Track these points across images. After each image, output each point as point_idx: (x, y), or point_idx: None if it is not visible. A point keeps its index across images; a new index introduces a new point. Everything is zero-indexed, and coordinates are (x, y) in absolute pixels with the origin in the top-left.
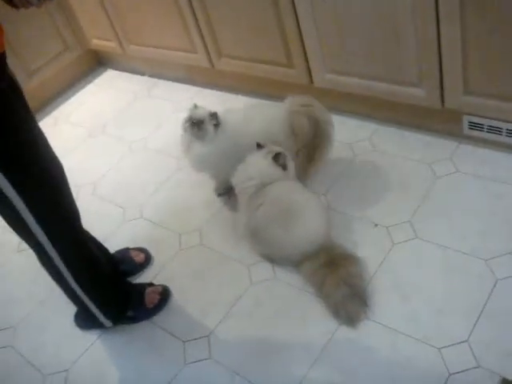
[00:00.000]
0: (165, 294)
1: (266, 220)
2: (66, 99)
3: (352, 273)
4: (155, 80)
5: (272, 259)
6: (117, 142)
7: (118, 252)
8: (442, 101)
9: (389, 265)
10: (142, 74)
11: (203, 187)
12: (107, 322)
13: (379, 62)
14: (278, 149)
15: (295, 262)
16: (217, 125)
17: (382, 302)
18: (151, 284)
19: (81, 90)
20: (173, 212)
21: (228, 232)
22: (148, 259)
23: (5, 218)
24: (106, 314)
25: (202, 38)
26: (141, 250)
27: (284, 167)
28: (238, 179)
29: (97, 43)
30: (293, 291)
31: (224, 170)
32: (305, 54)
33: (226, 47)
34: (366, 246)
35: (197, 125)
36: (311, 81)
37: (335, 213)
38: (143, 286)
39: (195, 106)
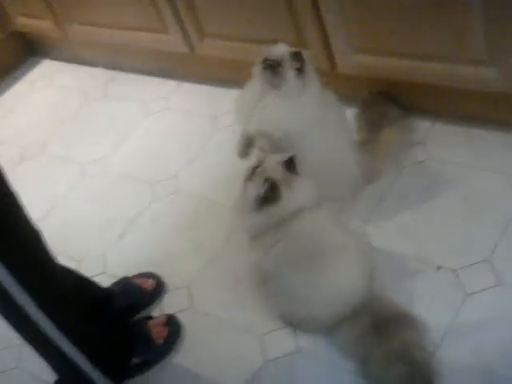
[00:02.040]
0: (173, 324)
1: (285, 262)
2: None
3: (409, 341)
4: (114, 73)
5: (293, 322)
6: (63, 166)
7: (117, 284)
8: None
9: (462, 325)
10: (94, 64)
11: (191, 224)
12: None
13: (430, 33)
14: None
15: (326, 327)
16: (301, 70)
17: (455, 379)
18: (150, 317)
19: (6, 92)
20: (149, 263)
21: (227, 288)
22: (160, 285)
23: None
24: (105, 372)
25: (176, 11)
26: (147, 274)
27: (296, 172)
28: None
29: (24, 23)
30: (325, 370)
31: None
32: (322, 26)
33: (210, 23)
34: (427, 298)
35: (271, 68)
36: (333, 65)
37: (379, 252)
38: (143, 321)
39: (275, 44)
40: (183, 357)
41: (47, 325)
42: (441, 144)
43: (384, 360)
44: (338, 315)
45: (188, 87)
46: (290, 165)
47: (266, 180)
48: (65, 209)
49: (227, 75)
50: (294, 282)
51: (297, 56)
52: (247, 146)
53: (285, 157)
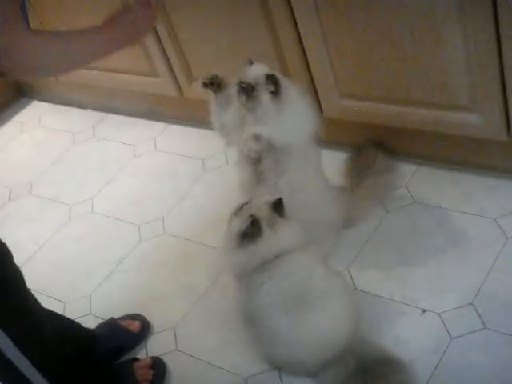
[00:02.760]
0: (158, 367)
1: (270, 304)
2: None
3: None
4: (102, 114)
5: (278, 364)
6: (51, 206)
7: (103, 326)
8: (509, 129)
9: (448, 368)
10: (83, 106)
11: (178, 266)
12: None
13: (416, 81)
14: (268, 197)
15: (311, 370)
16: (276, 93)
17: None
18: (136, 359)
19: None
20: (135, 304)
21: (213, 330)
22: (146, 327)
23: None
24: None
25: (166, 55)
26: (133, 316)
27: (283, 214)
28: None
29: None
30: None
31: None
32: (309, 72)
33: (199, 68)
34: (413, 342)
35: (245, 91)
36: (320, 109)
37: (364, 295)
38: (129, 363)
39: (250, 62)
40: None
41: (26, 366)
42: (426, 187)
43: None
44: (323, 359)
45: (176, 129)
46: (278, 207)
47: (250, 216)
48: (51, 249)
49: None
50: (279, 324)
51: (271, 79)
52: (212, 81)
53: (273, 198)
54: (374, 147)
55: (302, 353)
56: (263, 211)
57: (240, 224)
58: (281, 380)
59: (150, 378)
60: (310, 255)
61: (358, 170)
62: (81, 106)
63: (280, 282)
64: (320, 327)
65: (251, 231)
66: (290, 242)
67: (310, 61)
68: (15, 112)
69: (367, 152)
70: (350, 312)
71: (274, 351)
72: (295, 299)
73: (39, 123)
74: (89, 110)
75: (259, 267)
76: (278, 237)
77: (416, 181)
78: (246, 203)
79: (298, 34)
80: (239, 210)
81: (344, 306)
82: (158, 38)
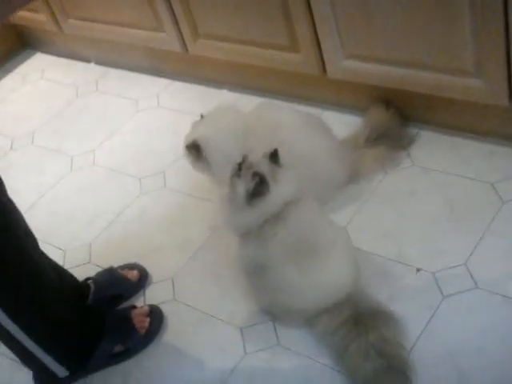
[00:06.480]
0: (155, 314)
1: (281, 255)
2: None
3: (386, 336)
4: (106, 69)
5: (275, 315)
6: (51, 158)
7: (102, 274)
8: (510, 95)
9: (438, 325)
10: (87, 59)
11: (177, 219)
12: (62, 371)
13: (421, 44)
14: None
15: (307, 318)
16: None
17: (429, 379)
18: (134, 307)
19: None
20: (134, 255)
21: (210, 281)
22: (144, 276)
23: None
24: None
25: (172, 11)
26: (132, 266)
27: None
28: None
29: (20, 16)
30: (303, 364)
31: None
32: (315, 31)
33: (205, 24)
34: (406, 298)
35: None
36: (324, 70)
37: (361, 252)
38: (127, 310)
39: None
40: (164, 347)
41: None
42: (425, 151)
43: (361, 352)
44: (324, 306)
45: (179, 86)
46: (274, 157)
47: (255, 174)
48: (52, 199)
49: (219, 75)
50: (289, 272)
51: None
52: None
53: (269, 149)
54: (391, 109)
55: (306, 301)
56: (264, 165)
57: (246, 184)
58: (275, 330)
59: (147, 325)
60: (314, 206)
61: (373, 130)
62: (85, 59)
63: (293, 231)
64: (326, 274)
65: (260, 189)
66: (290, 191)
67: (316, 21)
68: (18, 63)
69: (384, 113)
70: (353, 265)
71: (280, 299)
72: (304, 248)
73: (42, 75)
74: (92, 64)
75: (269, 219)
76: (281, 188)
77: (417, 144)
78: (243, 161)
79: None
80: (238, 170)
81: (350, 260)
82: None
